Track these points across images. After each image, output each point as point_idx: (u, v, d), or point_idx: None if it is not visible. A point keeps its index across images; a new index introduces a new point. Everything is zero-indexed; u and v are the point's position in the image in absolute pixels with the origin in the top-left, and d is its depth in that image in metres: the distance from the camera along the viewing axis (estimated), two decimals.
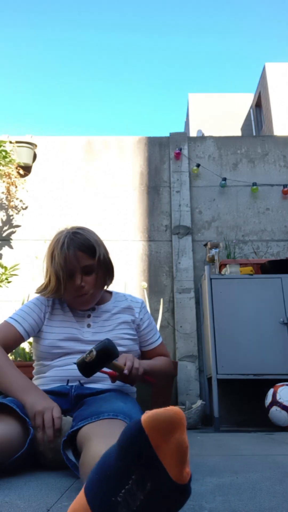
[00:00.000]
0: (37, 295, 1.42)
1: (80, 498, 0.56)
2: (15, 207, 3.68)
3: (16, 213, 3.69)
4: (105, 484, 0.54)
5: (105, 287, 1.43)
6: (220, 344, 2.75)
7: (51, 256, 1.32)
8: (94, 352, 1.02)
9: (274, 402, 2.45)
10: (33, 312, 1.36)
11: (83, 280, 1.31)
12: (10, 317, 1.35)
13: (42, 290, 1.38)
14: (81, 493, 0.57)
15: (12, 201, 3.64)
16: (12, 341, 1.30)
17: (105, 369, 1.10)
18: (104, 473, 0.55)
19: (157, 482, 0.52)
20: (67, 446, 1.00)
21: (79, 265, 1.31)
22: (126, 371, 1.12)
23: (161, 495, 0.52)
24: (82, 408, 1.10)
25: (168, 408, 0.53)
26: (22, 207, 3.70)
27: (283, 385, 2.49)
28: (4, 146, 3.41)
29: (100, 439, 0.80)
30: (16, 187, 3.57)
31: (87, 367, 1.04)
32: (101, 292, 1.41)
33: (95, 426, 0.91)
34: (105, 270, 1.38)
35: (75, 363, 1.08)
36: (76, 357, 1.28)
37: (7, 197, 3.58)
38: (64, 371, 1.27)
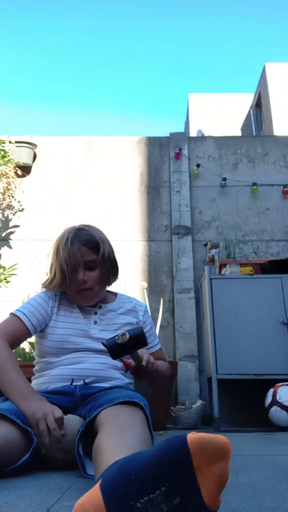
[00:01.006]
0: (43, 290, 1.42)
1: (95, 493, 0.54)
2: (13, 207, 3.68)
3: (15, 213, 3.69)
4: (127, 486, 0.53)
5: (109, 285, 1.44)
6: (220, 344, 2.75)
7: (56, 251, 1.34)
8: (127, 336, 1.03)
9: (274, 402, 2.45)
10: (41, 307, 1.35)
11: (85, 275, 1.32)
12: (18, 310, 1.32)
13: (47, 285, 1.38)
14: (97, 488, 0.55)
15: (10, 201, 3.64)
16: (19, 336, 1.29)
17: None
18: (128, 476, 0.54)
19: (187, 500, 0.51)
20: (80, 440, 1.00)
21: (82, 260, 1.32)
22: (144, 363, 1.13)
23: None
24: (94, 398, 1.11)
25: (218, 435, 0.53)
26: (18, 208, 3.70)
27: (283, 385, 2.49)
28: (3, 146, 3.41)
29: (114, 426, 0.81)
30: (15, 186, 3.57)
31: (117, 349, 1.04)
32: (104, 289, 1.42)
33: (112, 410, 0.92)
34: (109, 268, 1.38)
35: (103, 343, 1.08)
36: (84, 355, 1.28)
37: (4, 197, 3.58)
38: (69, 370, 1.26)
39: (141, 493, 0.52)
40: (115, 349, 1.04)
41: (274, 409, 2.44)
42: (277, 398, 2.44)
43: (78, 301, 1.37)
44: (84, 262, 1.32)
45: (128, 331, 1.04)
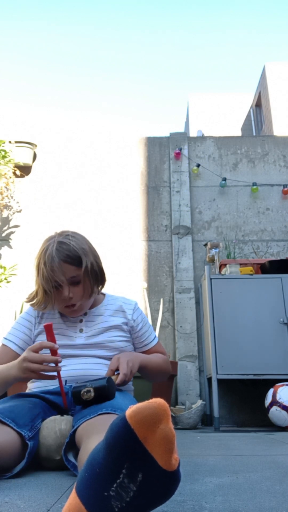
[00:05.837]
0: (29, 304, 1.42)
1: (73, 498, 0.57)
2: (13, 208, 3.68)
3: (15, 213, 3.69)
4: (96, 480, 0.55)
5: (94, 295, 1.40)
6: (220, 344, 2.75)
7: (38, 268, 1.31)
8: (92, 394, 1.04)
9: (274, 402, 2.45)
10: (24, 327, 1.38)
11: (71, 291, 1.30)
12: (5, 338, 1.38)
13: (31, 300, 1.37)
14: (73, 493, 0.58)
15: (9, 201, 3.64)
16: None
17: None
18: (94, 470, 0.56)
19: (147, 472, 0.54)
20: (69, 448, 1.00)
21: (65, 277, 1.29)
22: (118, 382, 1.15)
23: (152, 484, 0.54)
24: (81, 406, 1.11)
25: (151, 400, 0.54)
26: (18, 208, 3.70)
27: (283, 385, 2.49)
28: (3, 146, 3.41)
29: (96, 435, 0.80)
30: (14, 186, 3.57)
31: (82, 403, 1.06)
32: (90, 300, 1.39)
33: (93, 422, 0.91)
34: (94, 279, 1.35)
35: (71, 390, 1.09)
36: (69, 361, 1.29)
37: (3, 198, 3.58)
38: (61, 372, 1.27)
39: (109, 482, 0.54)
40: (78, 401, 1.06)
41: (274, 409, 2.44)
42: (277, 398, 2.44)
43: (66, 314, 1.38)
44: (67, 279, 1.30)
45: (94, 386, 1.04)
